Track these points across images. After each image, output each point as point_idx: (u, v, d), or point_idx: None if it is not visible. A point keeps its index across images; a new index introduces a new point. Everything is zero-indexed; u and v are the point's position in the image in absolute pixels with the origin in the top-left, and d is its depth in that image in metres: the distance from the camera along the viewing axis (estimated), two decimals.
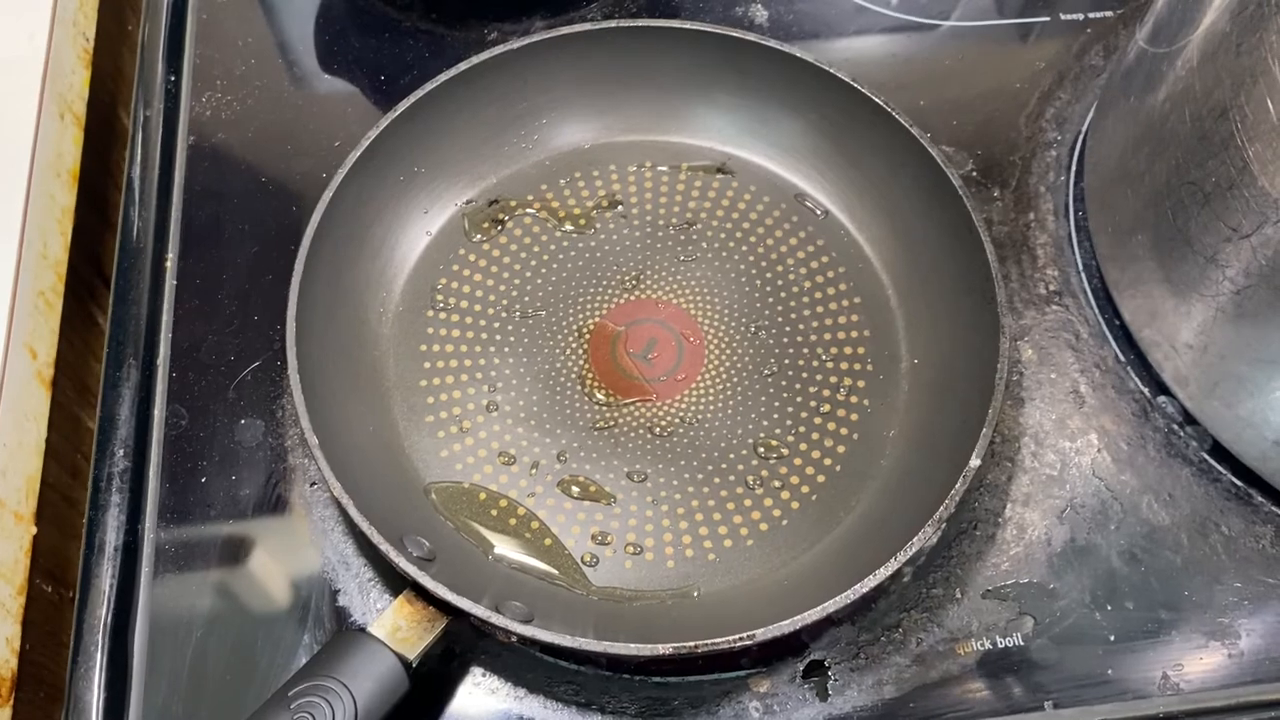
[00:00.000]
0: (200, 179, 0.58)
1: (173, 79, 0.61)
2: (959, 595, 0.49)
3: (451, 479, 0.50)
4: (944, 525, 0.45)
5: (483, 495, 0.50)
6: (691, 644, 0.42)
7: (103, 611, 0.47)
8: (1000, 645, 0.48)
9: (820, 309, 0.55)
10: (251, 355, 0.53)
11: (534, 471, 0.51)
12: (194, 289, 0.55)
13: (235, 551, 0.49)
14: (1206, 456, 0.53)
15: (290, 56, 0.63)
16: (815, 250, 0.56)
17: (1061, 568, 0.50)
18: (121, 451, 0.51)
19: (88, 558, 0.48)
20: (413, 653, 0.43)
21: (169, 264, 0.56)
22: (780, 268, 0.56)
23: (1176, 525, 0.51)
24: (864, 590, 0.43)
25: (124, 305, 0.54)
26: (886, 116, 0.54)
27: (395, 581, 0.48)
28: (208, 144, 0.59)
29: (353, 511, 0.44)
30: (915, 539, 0.44)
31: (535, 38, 0.55)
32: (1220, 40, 0.46)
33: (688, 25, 0.56)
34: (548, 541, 0.49)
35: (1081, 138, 0.62)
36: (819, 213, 0.57)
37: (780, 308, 0.55)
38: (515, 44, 0.55)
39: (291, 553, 0.49)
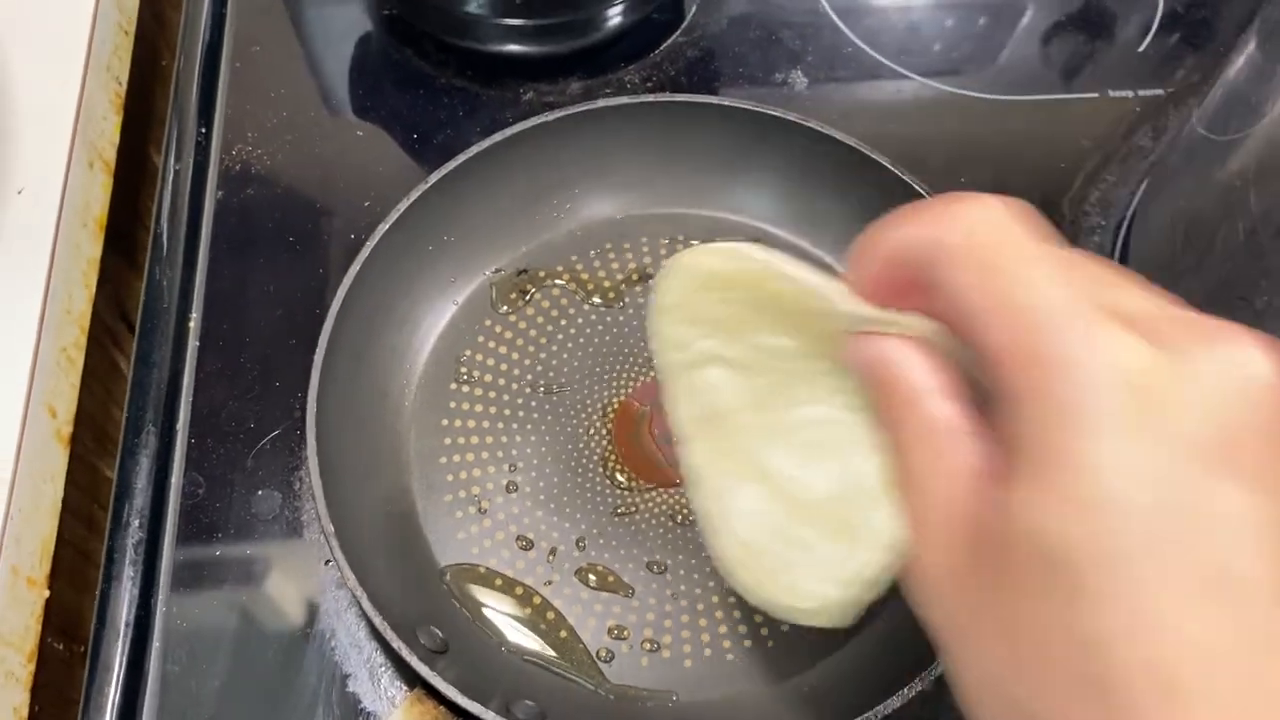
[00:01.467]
0: (227, 236, 0.58)
1: (204, 131, 0.61)
2: None
3: (468, 563, 0.49)
4: None
5: (499, 581, 0.49)
6: None
7: (111, 689, 0.47)
8: None
9: None
10: (272, 423, 0.53)
11: (552, 558, 0.50)
12: (216, 351, 0.54)
13: (247, 629, 0.48)
14: None
15: (323, 110, 0.63)
16: None
17: None
18: (137, 522, 0.50)
19: (98, 632, 0.48)
20: None
21: (192, 324, 0.55)
22: None
23: None
24: (892, 707, 0.42)
25: (146, 368, 0.54)
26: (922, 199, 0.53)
27: (406, 671, 0.47)
28: (236, 199, 0.59)
29: (366, 606, 0.43)
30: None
31: (570, 110, 0.54)
32: None
33: (725, 101, 0.55)
34: (563, 633, 0.48)
35: (1127, 224, 0.60)
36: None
37: None
38: (550, 116, 0.54)
39: (303, 632, 0.49)
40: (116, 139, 0.63)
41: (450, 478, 0.51)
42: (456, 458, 0.52)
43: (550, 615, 0.48)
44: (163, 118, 0.65)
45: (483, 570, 0.49)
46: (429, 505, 0.50)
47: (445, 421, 0.52)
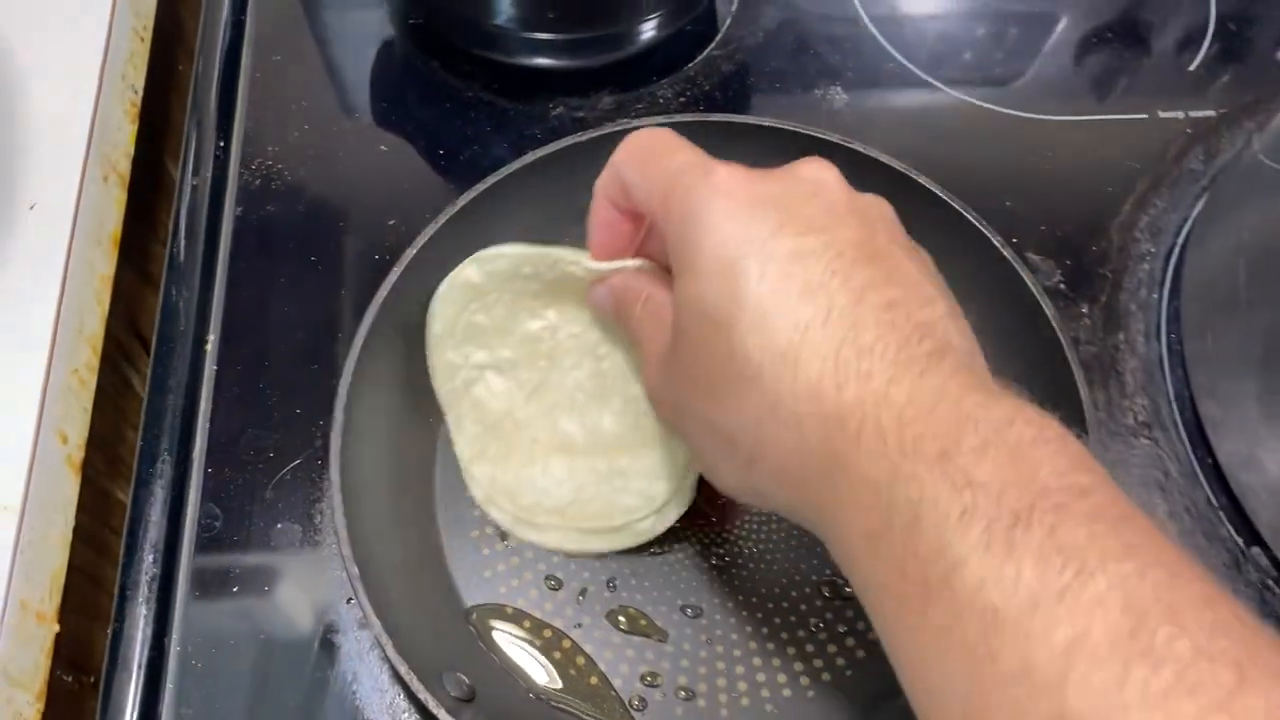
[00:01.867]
0: (246, 254, 0.56)
1: (222, 145, 0.58)
2: None
3: (495, 603, 0.47)
4: None
5: (527, 623, 0.47)
6: None
7: None
8: None
9: None
10: (292, 453, 0.51)
11: (582, 599, 0.48)
12: (234, 376, 0.52)
13: (265, 669, 0.46)
14: None
15: (346, 123, 0.60)
16: None
17: None
18: (151, 557, 0.48)
19: (110, 673, 0.46)
20: None
21: (209, 347, 0.53)
22: None
23: None
24: None
25: (161, 393, 0.52)
26: (974, 230, 0.51)
27: (429, 716, 0.45)
28: (255, 216, 0.57)
29: (391, 653, 0.41)
30: None
31: (605, 130, 0.52)
32: None
33: (766, 122, 0.52)
34: (593, 680, 0.46)
35: (1178, 252, 0.58)
36: None
37: None
38: (583, 136, 0.52)
39: (324, 673, 0.47)
40: (132, 150, 0.61)
41: (477, 513, 0.49)
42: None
43: (580, 660, 0.46)
44: (179, 127, 0.62)
45: (510, 611, 0.47)
46: (455, 541, 0.48)
47: None
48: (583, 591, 0.48)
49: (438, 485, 0.50)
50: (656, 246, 0.41)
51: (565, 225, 0.54)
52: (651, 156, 0.37)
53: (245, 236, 0.56)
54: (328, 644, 0.47)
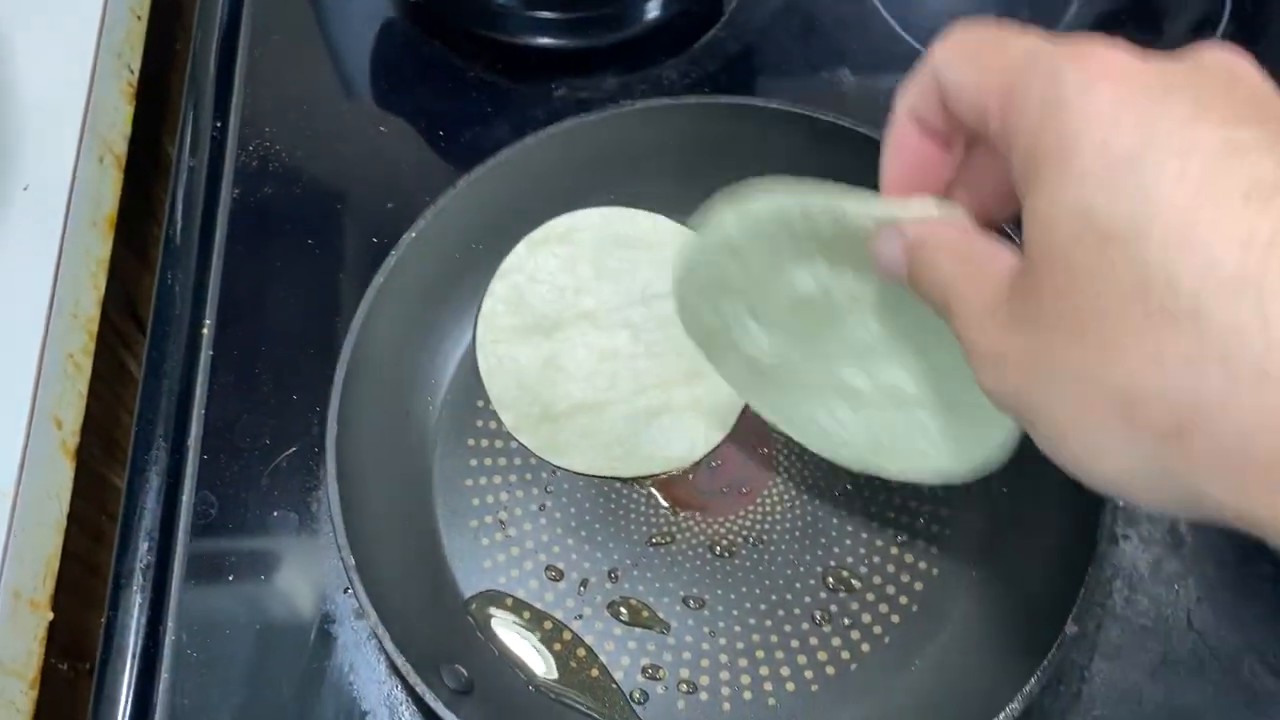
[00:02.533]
0: (243, 237, 0.55)
1: (219, 125, 0.57)
2: None
3: (494, 592, 0.47)
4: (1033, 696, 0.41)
5: (527, 614, 0.46)
6: None
7: None
8: None
9: None
10: (288, 440, 0.50)
11: (583, 589, 0.47)
12: (230, 361, 0.52)
13: (261, 660, 0.46)
14: None
15: (345, 103, 0.59)
16: None
17: None
18: (145, 545, 0.47)
19: (104, 661, 0.45)
20: None
21: (206, 331, 0.52)
22: None
23: None
24: None
25: (156, 378, 0.51)
26: None
27: (429, 710, 0.45)
28: (252, 199, 0.56)
29: (388, 645, 0.40)
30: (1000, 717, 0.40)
31: (609, 111, 0.51)
32: None
33: (773, 104, 0.51)
34: (594, 672, 0.45)
35: None
36: None
37: None
38: (587, 118, 0.51)
39: (320, 663, 0.46)
40: (128, 131, 0.60)
41: (476, 501, 0.48)
42: (483, 480, 0.49)
43: (581, 652, 0.46)
44: (177, 107, 0.61)
45: (509, 602, 0.47)
46: (453, 531, 0.48)
47: (472, 441, 0.50)
48: (583, 582, 0.47)
49: (435, 475, 0.49)
50: (978, 177, 0.33)
51: (567, 206, 0.53)
52: (988, 46, 0.29)
53: (242, 219, 0.55)
54: (324, 634, 0.46)
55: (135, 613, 0.46)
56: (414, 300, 0.49)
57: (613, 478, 0.49)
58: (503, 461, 0.49)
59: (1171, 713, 0.46)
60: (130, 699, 0.45)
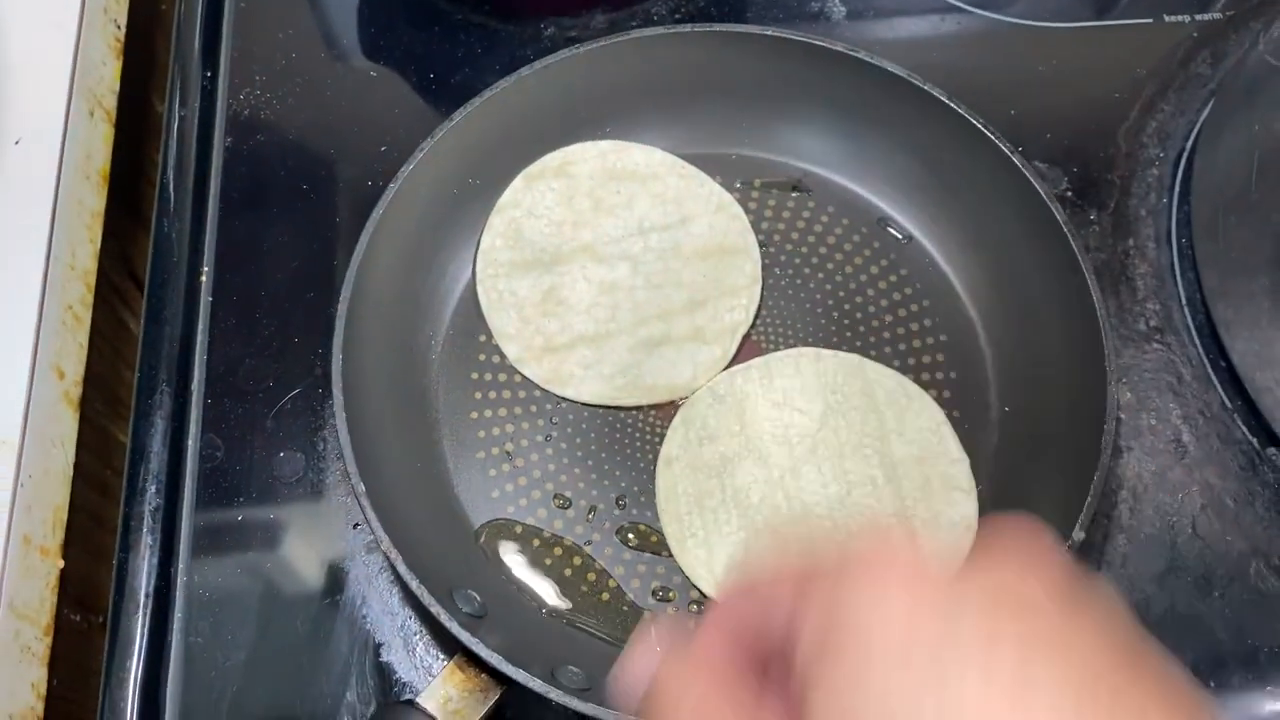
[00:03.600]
0: (238, 185, 0.55)
1: (209, 75, 0.57)
2: None
3: (503, 522, 0.47)
4: None
5: (536, 541, 0.47)
6: None
7: (133, 664, 0.44)
8: None
9: (902, 346, 0.51)
10: (292, 381, 0.50)
11: (591, 516, 0.47)
12: (230, 306, 0.52)
13: (273, 598, 0.46)
14: None
15: (335, 50, 0.59)
16: (897, 280, 0.52)
17: (1161, 638, 0.45)
18: (153, 488, 0.47)
19: (116, 604, 0.45)
20: None
21: (204, 278, 0.52)
22: (859, 298, 0.52)
23: None
24: None
25: (156, 325, 0.51)
26: (984, 139, 0.50)
27: (443, 638, 0.45)
28: (245, 147, 0.56)
29: (401, 568, 0.40)
30: None
31: (601, 42, 0.51)
32: None
33: (768, 31, 0.51)
34: (605, 596, 0.46)
35: (1186, 156, 0.57)
36: (902, 238, 0.53)
37: (858, 342, 0.51)
38: (579, 49, 0.50)
39: (332, 600, 0.46)
40: (117, 86, 0.59)
41: (482, 433, 0.48)
42: (489, 412, 0.49)
43: (591, 577, 0.46)
44: (165, 65, 0.61)
45: (519, 530, 0.47)
46: (461, 463, 0.48)
47: (475, 375, 0.50)
48: (591, 509, 0.47)
49: (441, 407, 0.49)
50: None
51: (562, 140, 0.53)
52: (776, 571, 0.29)
53: (235, 167, 0.55)
54: (335, 569, 0.47)
55: (146, 554, 0.46)
56: (413, 234, 0.48)
57: (616, 407, 0.49)
58: (507, 394, 0.49)
59: (1179, 619, 0.47)
60: (144, 639, 0.45)
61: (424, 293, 0.50)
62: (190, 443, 0.49)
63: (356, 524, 0.47)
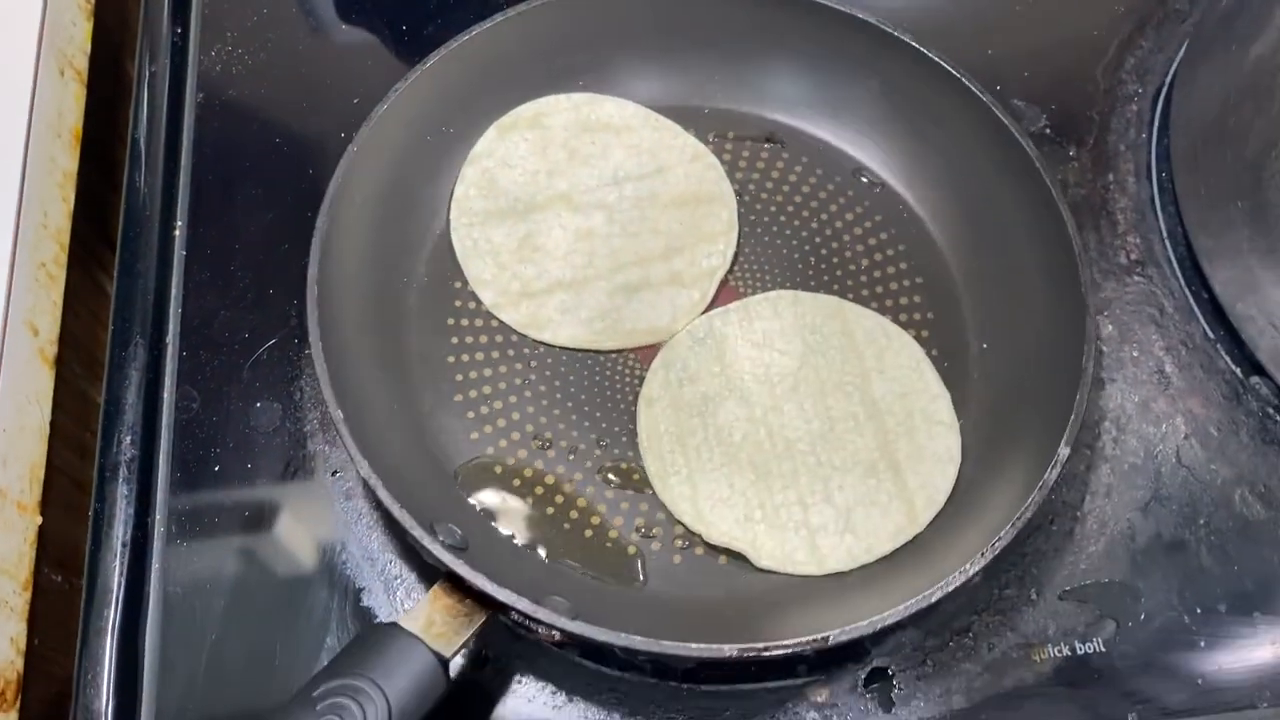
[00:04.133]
0: (210, 140, 0.54)
1: (179, 31, 0.57)
2: (1034, 597, 0.45)
3: (483, 461, 0.46)
4: (1026, 518, 0.41)
5: (517, 481, 0.46)
6: (760, 645, 0.38)
7: (110, 612, 0.44)
8: (1079, 651, 0.44)
9: (879, 288, 0.51)
10: (267, 332, 0.49)
11: (572, 457, 0.47)
12: (204, 260, 0.51)
13: (251, 546, 0.46)
14: None
15: (305, 5, 0.59)
16: (873, 226, 0.52)
17: (1146, 566, 0.46)
18: (129, 439, 0.47)
19: (93, 554, 0.45)
20: (449, 649, 0.39)
21: (177, 232, 0.52)
22: (835, 244, 0.52)
23: (1274, 520, 0.47)
24: (947, 590, 0.39)
25: (130, 278, 0.50)
26: (952, 79, 0.49)
27: (424, 575, 0.45)
28: (218, 101, 0.55)
29: (382, 493, 0.39)
30: (1003, 532, 0.40)
31: None
32: None
33: None
34: (588, 533, 0.45)
35: (1165, 90, 0.56)
36: (876, 185, 0.53)
37: (835, 286, 0.51)
38: None
39: (311, 546, 0.46)
40: (87, 47, 0.59)
41: (459, 377, 0.48)
42: (465, 356, 0.49)
43: (573, 514, 0.46)
44: (137, 30, 0.61)
45: (499, 470, 0.46)
46: (438, 406, 0.47)
47: (451, 320, 0.49)
48: (572, 450, 0.47)
49: (415, 350, 0.48)
50: None
51: (538, 89, 0.53)
52: None
53: (208, 122, 0.55)
54: (314, 517, 0.46)
55: (122, 505, 0.46)
56: (385, 178, 0.48)
57: (595, 350, 0.49)
58: (484, 339, 0.49)
59: (1165, 546, 0.46)
60: (122, 589, 0.45)
61: (397, 238, 0.49)
62: (165, 395, 0.48)
63: (335, 471, 0.47)
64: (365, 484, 0.42)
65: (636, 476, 0.46)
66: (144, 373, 0.49)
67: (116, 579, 0.45)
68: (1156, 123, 0.56)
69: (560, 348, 0.49)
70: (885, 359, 0.48)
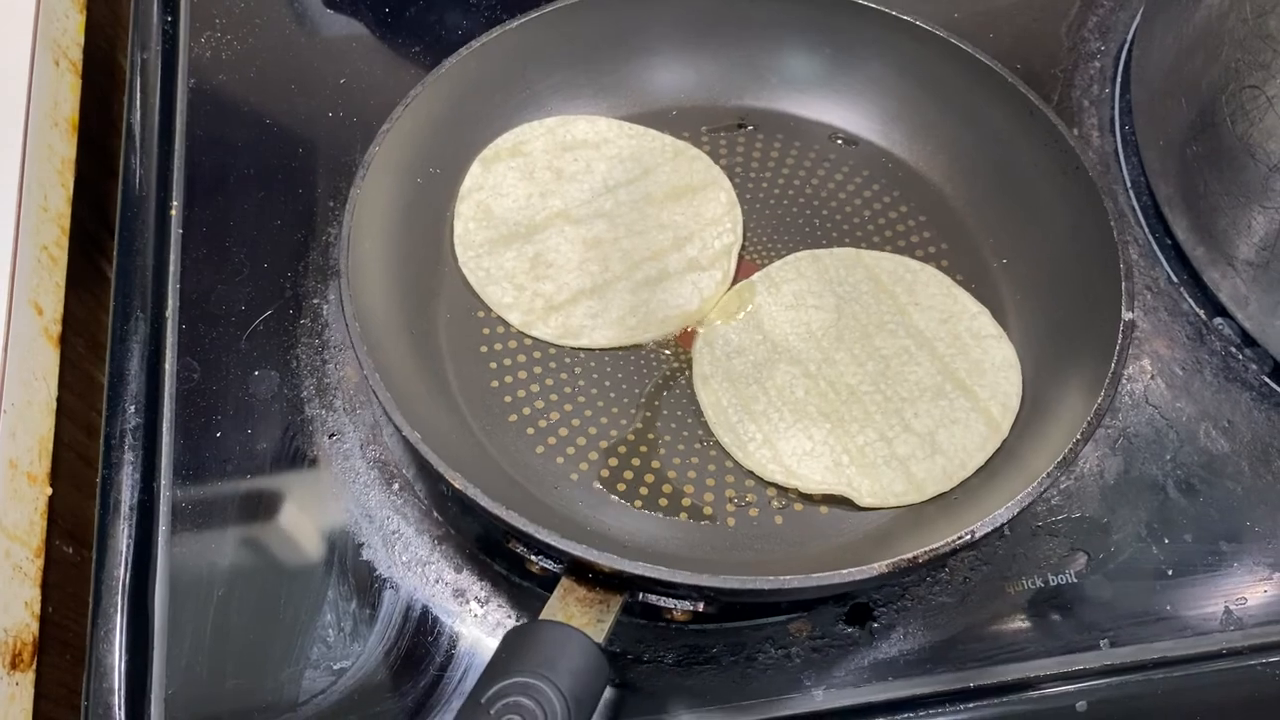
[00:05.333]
0: (203, 124, 0.56)
1: (170, 19, 0.59)
2: (1007, 532, 0.47)
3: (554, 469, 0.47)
4: (1112, 397, 0.42)
5: (597, 484, 0.46)
6: (909, 555, 0.38)
7: (120, 572, 0.46)
8: (1052, 583, 0.46)
9: (888, 233, 0.53)
10: (263, 304, 0.51)
11: (644, 448, 0.47)
12: (201, 237, 0.53)
13: (254, 507, 0.47)
14: (1267, 380, 0.50)
15: None
16: (863, 180, 0.54)
17: (1115, 501, 0.48)
18: (133, 408, 0.49)
19: (103, 518, 0.47)
20: (600, 637, 0.38)
21: (174, 212, 0.54)
22: (834, 203, 0.54)
23: (1237, 453, 0.49)
24: (1059, 474, 0.40)
25: (129, 256, 0.52)
26: (904, 25, 0.51)
27: (422, 533, 0.47)
28: (209, 86, 0.57)
29: (513, 517, 0.39)
30: (1099, 400, 0.41)
31: (527, 15, 0.52)
32: None
33: None
34: (683, 515, 0.46)
35: (1127, 47, 0.58)
36: (853, 144, 0.55)
37: (846, 240, 0.53)
38: (509, 25, 0.51)
39: (312, 506, 0.48)
40: (81, 39, 0.61)
41: (508, 398, 0.48)
42: (509, 379, 0.49)
43: (663, 502, 0.46)
44: (129, 23, 0.63)
45: (575, 477, 0.47)
46: (494, 431, 0.47)
47: (485, 348, 0.49)
48: (641, 442, 0.47)
49: (457, 386, 0.48)
50: None
51: (507, 124, 0.54)
52: None
53: (200, 107, 0.56)
54: (313, 477, 0.48)
55: (128, 470, 0.48)
56: (392, 231, 0.48)
57: (635, 346, 0.50)
58: (522, 358, 0.49)
59: (1133, 482, 0.48)
60: (130, 551, 0.46)
61: (410, 283, 0.49)
62: (167, 366, 0.50)
63: (332, 434, 0.49)
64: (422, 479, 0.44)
65: (714, 452, 0.47)
66: (146, 345, 0.50)
67: (125, 541, 0.47)
68: (1119, 79, 0.57)
69: (600, 350, 0.50)
70: (916, 291, 0.50)
